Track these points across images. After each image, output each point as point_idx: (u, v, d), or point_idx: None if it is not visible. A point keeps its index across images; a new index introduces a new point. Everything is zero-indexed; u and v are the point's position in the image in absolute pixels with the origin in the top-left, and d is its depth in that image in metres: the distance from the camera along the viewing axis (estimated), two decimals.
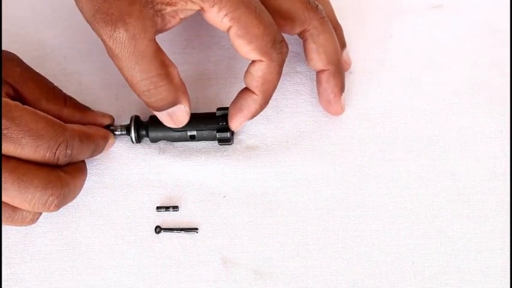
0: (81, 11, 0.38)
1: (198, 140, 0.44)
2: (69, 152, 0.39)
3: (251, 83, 0.42)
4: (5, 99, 0.38)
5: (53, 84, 0.43)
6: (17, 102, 0.39)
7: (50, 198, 0.38)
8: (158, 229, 0.43)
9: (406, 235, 0.43)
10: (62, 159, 0.39)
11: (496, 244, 0.43)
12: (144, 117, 0.45)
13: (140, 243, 0.43)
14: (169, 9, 0.38)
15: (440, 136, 0.45)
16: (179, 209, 0.44)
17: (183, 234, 0.43)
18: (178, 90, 0.40)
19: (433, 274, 0.42)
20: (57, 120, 0.39)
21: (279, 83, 0.45)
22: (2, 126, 0.37)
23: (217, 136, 0.43)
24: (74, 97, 0.44)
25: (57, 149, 0.38)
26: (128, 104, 0.46)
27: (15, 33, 0.49)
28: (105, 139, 0.43)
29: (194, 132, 0.43)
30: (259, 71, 0.41)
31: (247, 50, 0.41)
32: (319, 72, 0.44)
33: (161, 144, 0.45)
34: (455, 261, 0.42)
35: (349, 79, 0.47)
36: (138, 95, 0.40)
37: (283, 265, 0.42)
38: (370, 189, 0.44)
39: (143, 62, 0.38)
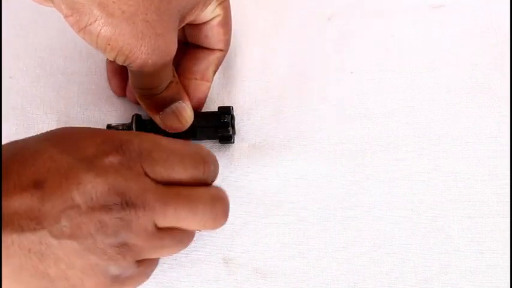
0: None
1: (200, 139, 0.44)
2: (213, 167, 0.37)
3: (206, 70, 0.44)
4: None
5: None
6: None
7: (219, 214, 0.36)
8: None
9: (407, 235, 0.43)
10: (212, 177, 0.37)
11: (497, 244, 0.42)
12: (146, 116, 0.45)
13: None
14: (191, 17, 0.40)
15: (441, 136, 0.45)
16: None
17: None
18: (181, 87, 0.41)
19: (434, 274, 0.42)
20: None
21: (280, 83, 0.45)
22: (149, 148, 0.34)
23: (219, 133, 0.43)
24: (75, 97, 0.44)
25: (204, 168, 0.36)
26: (130, 103, 0.46)
27: (15, 33, 0.49)
28: None
29: (195, 129, 0.43)
30: (217, 59, 0.44)
31: (221, 39, 0.43)
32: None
33: None
34: (457, 261, 0.42)
35: (350, 79, 0.47)
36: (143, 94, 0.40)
37: (285, 264, 0.42)
38: (371, 189, 0.44)
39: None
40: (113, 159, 0.33)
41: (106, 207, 0.32)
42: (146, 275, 0.36)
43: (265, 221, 0.43)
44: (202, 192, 0.35)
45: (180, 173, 0.35)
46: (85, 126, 0.36)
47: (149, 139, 0.35)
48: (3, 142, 0.45)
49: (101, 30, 0.35)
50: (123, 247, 0.33)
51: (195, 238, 0.43)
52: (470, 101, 0.46)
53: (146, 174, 0.33)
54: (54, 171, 0.32)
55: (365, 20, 0.49)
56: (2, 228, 0.30)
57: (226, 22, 0.43)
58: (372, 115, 0.46)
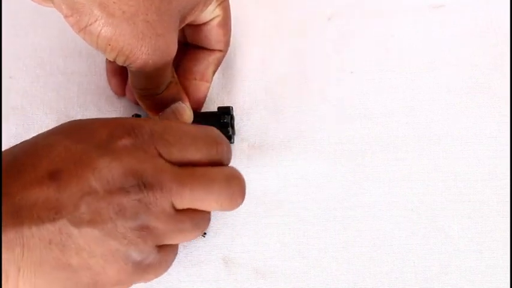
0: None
1: None
2: (226, 147, 0.37)
3: (205, 70, 0.44)
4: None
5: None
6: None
7: (235, 193, 0.36)
8: None
9: (407, 235, 0.43)
10: (226, 159, 0.37)
11: (497, 244, 0.42)
12: (145, 116, 0.45)
13: None
14: (191, 17, 0.40)
15: (441, 136, 0.45)
16: None
17: None
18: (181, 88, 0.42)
19: (434, 274, 0.42)
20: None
21: (280, 83, 0.45)
22: (161, 131, 0.34)
23: None
24: (75, 97, 0.44)
25: (217, 148, 0.36)
26: (129, 103, 0.47)
27: (15, 34, 0.49)
28: None
29: None
30: (217, 60, 0.44)
31: (220, 39, 0.43)
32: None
33: None
34: (457, 261, 0.42)
35: (350, 79, 0.47)
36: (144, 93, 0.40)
37: (284, 265, 0.42)
38: (371, 189, 0.44)
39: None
40: (126, 142, 0.33)
41: (123, 190, 0.32)
42: (167, 263, 0.36)
43: (265, 221, 0.43)
44: (217, 172, 0.35)
45: (194, 154, 0.35)
46: (94, 118, 0.36)
47: (160, 123, 0.35)
48: (3, 142, 0.45)
49: (101, 30, 0.35)
50: (143, 230, 0.33)
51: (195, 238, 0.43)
52: (470, 101, 0.46)
53: (160, 156, 0.33)
54: (68, 161, 0.32)
55: (365, 20, 0.49)
56: (22, 222, 0.30)
57: (225, 23, 0.43)
58: (372, 115, 0.46)
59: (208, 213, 0.37)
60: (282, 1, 0.50)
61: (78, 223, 0.31)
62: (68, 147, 0.32)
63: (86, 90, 0.47)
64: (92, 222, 0.31)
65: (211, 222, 0.43)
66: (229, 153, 0.37)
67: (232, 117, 0.45)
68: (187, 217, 0.35)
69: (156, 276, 0.36)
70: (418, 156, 0.45)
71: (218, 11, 0.42)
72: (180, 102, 0.41)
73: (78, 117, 0.46)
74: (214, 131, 0.37)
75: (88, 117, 0.46)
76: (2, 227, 0.30)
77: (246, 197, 0.43)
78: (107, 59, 0.46)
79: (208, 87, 0.45)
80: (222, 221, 0.43)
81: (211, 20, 0.42)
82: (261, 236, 0.43)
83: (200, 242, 0.43)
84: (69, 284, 0.32)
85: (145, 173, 0.32)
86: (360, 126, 0.46)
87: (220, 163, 0.36)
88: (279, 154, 0.45)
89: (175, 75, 0.42)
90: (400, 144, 0.45)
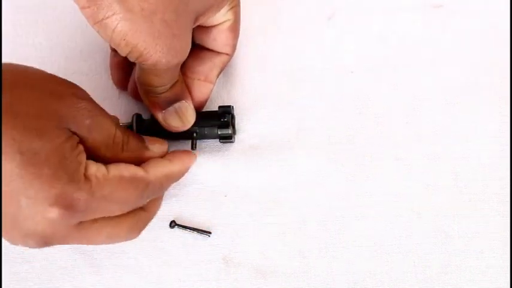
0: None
1: (200, 138, 0.44)
2: (151, 196, 0.39)
3: (210, 71, 0.44)
4: (93, 173, 0.35)
5: (114, 128, 0.38)
6: (104, 172, 0.36)
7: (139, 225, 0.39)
8: (173, 224, 0.43)
9: (408, 235, 0.43)
10: (145, 202, 0.39)
11: (497, 244, 0.43)
12: (146, 116, 0.45)
13: (141, 242, 0.43)
14: (203, 19, 0.40)
15: (442, 136, 0.45)
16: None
17: (185, 233, 0.43)
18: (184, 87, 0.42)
19: (434, 274, 0.42)
20: (140, 175, 0.37)
21: (280, 82, 0.45)
22: (96, 204, 0.35)
23: (219, 133, 0.43)
24: None
25: (141, 203, 0.38)
26: (130, 103, 0.46)
27: (15, 33, 0.49)
28: (191, 163, 0.42)
29: (196, 129, 0.43)
30: (222, 63, 0.45)
31: (228, 43, 0.44)
32: None
33: None
34: (457, 261, 0.42)
35: (351, 78, 0.47)
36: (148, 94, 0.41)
37: (285, 264, 0.42)
38: (372, 189, 0.44)
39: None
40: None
41: None
42: None
43: (265, 221, 0.43)
44: (128, 218, 0.39)
45: (117, 213, 0.38)
46: None
47: (105, 194, 0.36)
48: None
49: (117, 24, 0.35)
50: None
51: (195, 238, 0.43)
52: (470, 101, 0.46)
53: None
54: None
55: (365, 19, 0.49)
56: None
57: (235, 27, 0.44)
58: (372, 115, 0.46)
59: None
60: (282, 0, 0.50)
61: None
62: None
63: (87, 90, 0.47)
64: None
65: (212, 222, 0.43)
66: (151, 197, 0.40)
67: (233, 117, 0.45)
68: None
69: None
70: (419, 156, 0.45)
71: (229, 15, 0.42)
72: (183, 101, 0.42)
73: None
74: (148, 190, 0.38)
75: None
76: None
77: (246, 196, 0.44)
78: (111, 52, 0.46)
79: (211, 89, 0.45)
80: (222, 220, 0.43)
81: (221, 23, 0.43)
82: (261, 236, 0.43)
83: (200, 241, 0.43)
84: None
85: None
86: (360, 125, 0.46)
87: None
88: (280, 153, 0.45)
89: (180, 74, 0.42)
90: (400, 144, 0.45)
